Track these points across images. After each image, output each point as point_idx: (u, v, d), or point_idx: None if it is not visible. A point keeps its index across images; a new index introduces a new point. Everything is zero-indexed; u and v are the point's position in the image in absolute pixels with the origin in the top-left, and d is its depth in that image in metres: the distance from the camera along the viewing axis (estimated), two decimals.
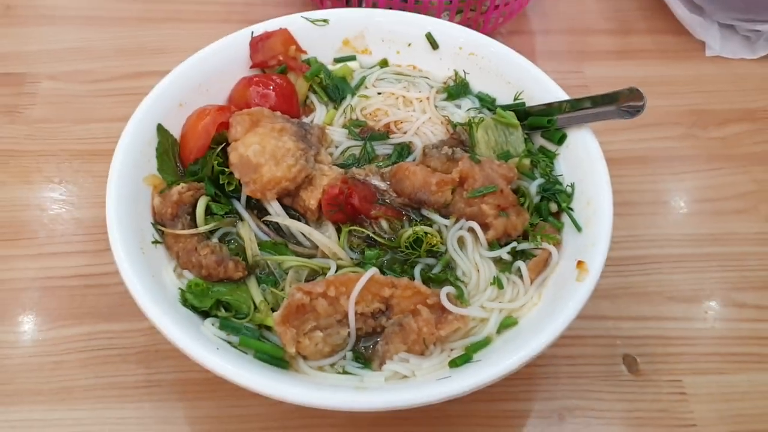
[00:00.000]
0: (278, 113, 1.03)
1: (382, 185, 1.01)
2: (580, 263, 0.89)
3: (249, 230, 0.96)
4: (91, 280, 1.09)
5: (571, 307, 0.84)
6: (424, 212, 0.98)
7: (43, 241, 1.13)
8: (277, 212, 0.97)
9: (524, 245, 0.95)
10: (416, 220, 0.98)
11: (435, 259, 0.95)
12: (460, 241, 0.96)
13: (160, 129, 1.01)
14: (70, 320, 1.05)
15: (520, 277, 0.93)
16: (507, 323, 0.89)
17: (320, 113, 1.12)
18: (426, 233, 0.94)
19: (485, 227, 0.95)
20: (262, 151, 0.96)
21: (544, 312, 0.88)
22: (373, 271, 0.87)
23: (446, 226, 0.97)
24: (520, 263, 0.94)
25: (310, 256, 0.96)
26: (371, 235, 0.96)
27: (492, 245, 0.95)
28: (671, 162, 1.31)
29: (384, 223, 0.97)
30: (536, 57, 1.49)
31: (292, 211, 0.99)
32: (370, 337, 0.89)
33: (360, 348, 0.88)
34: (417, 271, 0.93)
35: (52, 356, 1.01)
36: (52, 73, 1.38)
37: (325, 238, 0.95)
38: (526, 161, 1.03)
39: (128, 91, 1.36)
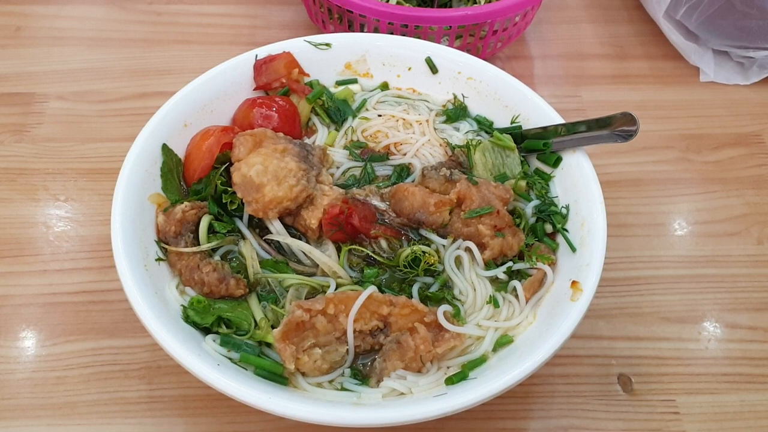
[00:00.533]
0: (281, 134, 1.06)
1: (382, 205, 1.03)
2: (574, 283, 0.91)
3: (251, 248, 0.98)
4: (95, 296, 1.11)
5: (565, 326, 0.86)
6: (423, 232, 1.00)
7: (48, 257, 1.15)
8: (278, 231, 0.99)
9: (520, 265, 0.97)
10: (415, 240, 1.00)
11: (432, 278, 0.97)
12: (458, 261, 0.98)
13: (165, 149, 1.03)
14: (73, 336, 1.06)
15: (516, 296, 0.95)
16: (503, 341, 0.91)
17: (322, 135, 1.15)
18: (424, 252, 0.96)
19: (482, 247, 0.97)
20: (264, 171, 0.98)
21: (539, 331, 0.90)
22: (371, 289, 0.89)
23: (444, 245, 0.99)
24: (515, 283, 0.96)
25: (311, 275, 0.98)
26: (370, 254, 0.98)
27: (488, 265, 0.97)
28: (665, 185, 1.33)
29: (383, 243, 0.99)
30: (534, 81, 1.53)
31: (293, 230, 1.01)
32: (369, 354, 0.90)
33: (358, 365, 0.90)
34: (415, 289, 0.95)
35: (55, 371, 1.02)
36: (60, 93, 1.41)
37: (325, 256, 0.97)
38: (522, 183, 1.05)
39: (135, 111, 1.39)
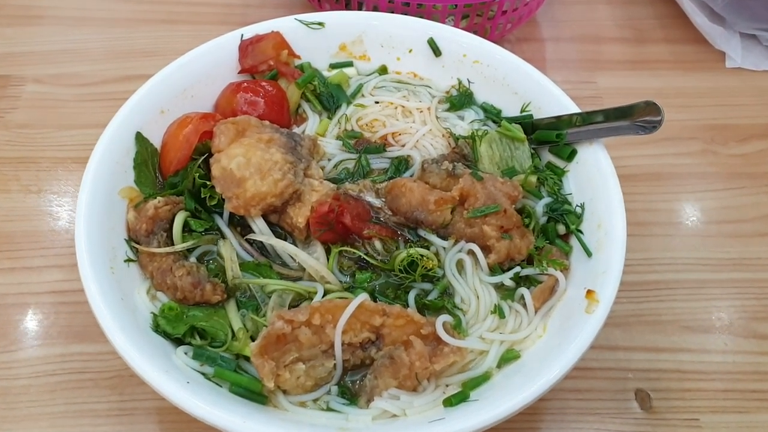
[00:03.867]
0: (266, 123, 0.96)
1: (377, 202, 0.94)
2: (589, 293, 0.81)
3: (231, 249, 0.89)
4: (65, 297, 1.02)
5: (579, 341, 0.76)
6: (421, 233, 0.91)
7: (15, 254, 1.07)
8: (261, 230, 0.90)
9: (529, 270, 0.88)
10: (412, 241, 0.91)
11: (431, 284, 0.87)
12: (459, 265, 0.88)
13: (139, 137, 0.94)
14: (40, 340, 0.98)
15: (524, 305, 0.86)
16: (508, 357, 0.81)
17: (312, 123, 1.05)
18: (422, 256, 0.87)
19: (486, 250, 0.88)
20: (246, 164, 0.89)
21: (549, 345, 0.80)
22: (362, 297, 0.80)
23: (444, 248, 0.89)
24: (523, 290, 0.86)
25: (297, 279, 0.88)
26: (363, 256, 0.89)
27: (493, 270, 0.88)
28: (688, 180, 1.23)
29: (377, 244, 0.90)
30: (546, 66, 1.42)
31: (278, 229, 0.92)
32: (358, 369, 0.81)
33: (346, 382, 0.81)
34: (411, 296, 0.85)
35: (18, 380, 0.94)
36: (38, 76, 1.32)
37: (313, 259, 0.88)
38: (533, 178, 0.95)
39: (117, 95, 1.28)
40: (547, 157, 1.00)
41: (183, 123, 0.96)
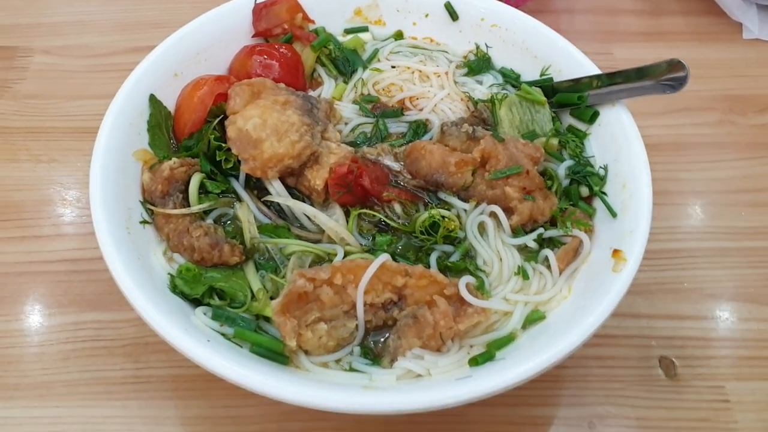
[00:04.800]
0: (282, 85, 0.94)
1: (396, 166, 0.92)
2: (616, 252, 0.79)
3: (248, 211, 0.87)
4: (78, 265, 1.00)
5: (606, 301, 0.75)
6: (442, 195, 0.89)
7: (28, 223, 1.05)
8: (278, 192, 0.88)
9: (552, 232, 0.86)
10: (433, 204, 0.89)
11: (453, 246, 0.85)
12: (481, 227, 0.86)
13: (153, 100, 0.92)
14: (53, 308, 0.96)
15: (548, 267, 0.84)
16: (533, 318, 0.80)
17: (328, 87, 1.03)
18: (443, 217, 0.85)
19: (509, 212, 0.86)
20: (263, 125, 0.87)
21: (575, 306, 0.79)
22: (384, 257, 0.78)
23: (465, 210, 0.87)
24: (547, 252, 0.84)
25: (315, 241, 0.86)
26: (383, 219, 0.87)
27: (516, 232, 0.86)
28: (707, 149, 1.21)
29: (397, 207, 0.88)
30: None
31: (295, 192, 0.90)
32: (381, 330, 0.79)
33: (369, 342, 0.79)
34: (433, 258, 0.83)
35: (32, 347, 0.93)
36: (46, 47, 1.30)
37: (332, 221, 0.86)
38: (554, 141, 0.93)
39: (125, 66, 1.22)
40: (568, 120, 0.98)
41: (197, 85, 0.94)
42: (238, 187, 0.89)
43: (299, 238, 0.86)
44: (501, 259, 0.84)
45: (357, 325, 0.77)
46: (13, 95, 1.22)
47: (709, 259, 1.05)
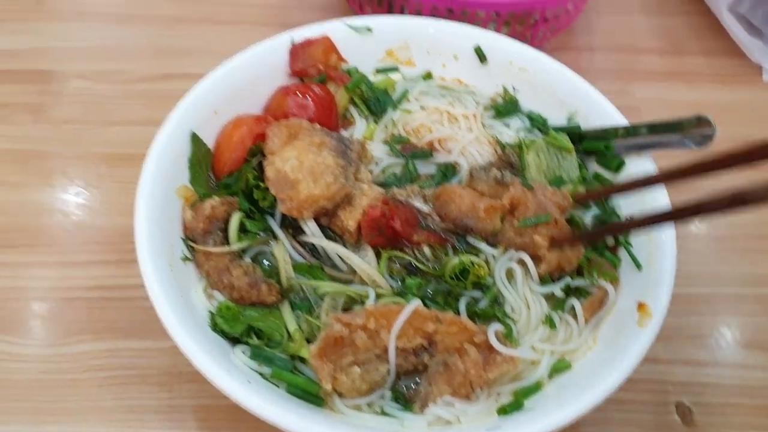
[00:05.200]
0: (317, 126, 0.97)
1: (425, 208, 0.94)
2: (641, 306, 0.82)
3: (283, 251, 0.89)
4: (112, 292, 1.03)
5: (633, 353, 0.78)
6: (471, 240, 0.91)
7: (63, 249, 1.07)
8: (313, 232, 0.91)
9: (579, 282, 0.88)
10: (461, 249, 0.91)
11: (481, 292, 0.88)
12: (509, 274, 0.89)
13: (195, 138, 0.95)
14: (88, 335, 0.99)
15: (574, 316, 0.86)
16: (559, 367, 0.82)
17: (360, 127, 1.06)
18: (473, 263, 0.87)
19: (537, 260, 0.88)
20: (299, 167, 0.90)
21: (602, 357, 0.81)
22: (416, 302, 0.81)
23: (494, 256, 0.90)
24: (573, 301, 0.87)
25: (347, 281, 0.89)
26: (413, 262, 0.89)
27: (543, 280, 0.88)
28: None
29: (426, 250, 0.91)
30: (583, 75, 1.41)
31: (328, 232, 0.93)
32: (410, 375, 0.82)
33: (400, 387, 0.82)
34: (462, 304, 0.86)
35: (67, 374, 0.95)
36: (81, 72, 1.32)
37: (364, 263, 0.89)
38: (582, 189, 0.96)
39: (158, 93, 1.30)
40: (594, 168, 1.01)
41: (237, 125, 0.97)
42: (274, 225, 0.92)
43: (332, 278, 0.89)
44: (529, 307, 0.86)
45: (389, 370, 0.80)
46: (50, 119, 1.24)
47: (728, 306, 1.07)
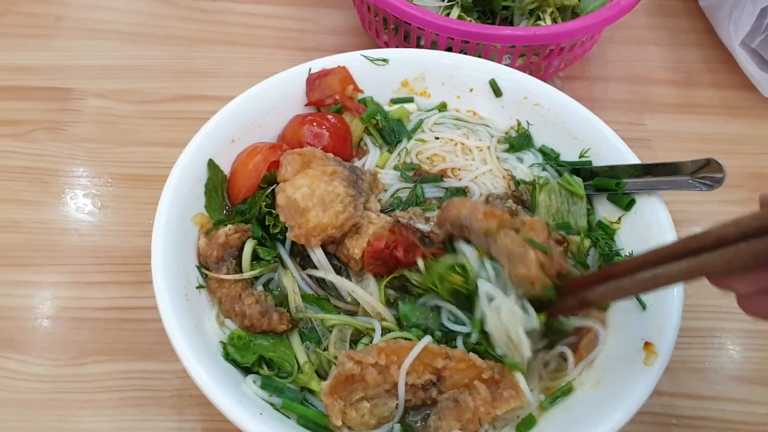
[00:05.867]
0: (330, 155, 0.99)
1: (426, 228, 0.94)
2: (647, 345, 0.83)
3: (292, 281, 0.91)
4: (127, 313, 1.05)
5: (639, 392, 0.79)
6: (455, 244, 0.89)
7: (78, 268, 1.09)
8: (320, 260, 0.92)
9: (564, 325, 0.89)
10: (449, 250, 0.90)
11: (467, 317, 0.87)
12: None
13: (212, 164, 0.97)
14: (103, 356, 1.00)
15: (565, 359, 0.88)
16: (557, 396, 0.84)
17: (373, 156, 1.07)
18: (454, 265, 0.86)
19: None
20: (310, 195, 0.91)
21: (608, 395, 0.82)
22: (427, 340, 0.82)
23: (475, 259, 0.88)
24: (564, 348, 0.88)
25: (352, 312, 0.91)
26: (405, 280, 0.90)
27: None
28: None
29: (420, 263, 0.90)
30: (595, 106, 1.41)
31: (334, 259, 0.94)
32: (418, 409, 0.83)
33: (408, 421, 0.83)
34: (459, 342, 0.86)
35: (81, 394, 0.97)
36: (99, 91, 1.35)
37: (369, 296, 0.90)
38: (587, 243, 0.97)
39: (176, 114, 1.32)
40: (605, 205, 1.02)
41: (252, 152, 0.99)
42: (284, 254, 0.93)
43: (337, 308, 0.91)
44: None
45: (397, 404, 0.81)
46: (68, 138, 1.26)
47: (732, 340, 1.08)
